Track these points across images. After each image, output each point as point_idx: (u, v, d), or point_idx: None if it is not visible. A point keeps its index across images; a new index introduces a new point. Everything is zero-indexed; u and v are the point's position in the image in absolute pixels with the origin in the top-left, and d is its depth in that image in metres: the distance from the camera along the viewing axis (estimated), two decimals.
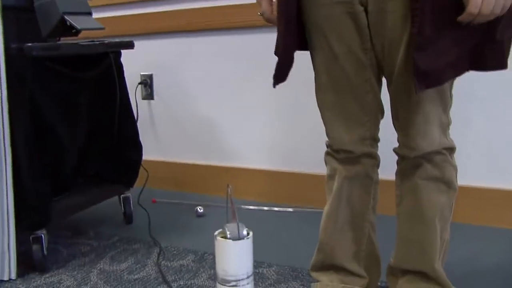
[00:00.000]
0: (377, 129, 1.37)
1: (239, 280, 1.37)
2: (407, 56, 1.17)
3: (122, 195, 2.23)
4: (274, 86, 1.35)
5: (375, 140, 1.37)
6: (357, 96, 1.30)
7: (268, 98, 2.45)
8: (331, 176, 1.43)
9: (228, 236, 1.38)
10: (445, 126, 1.28)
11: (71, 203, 2.00)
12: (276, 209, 2.40)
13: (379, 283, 1.53)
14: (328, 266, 1.46)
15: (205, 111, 2.64)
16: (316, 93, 1.38)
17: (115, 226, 2.24)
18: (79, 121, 1.95)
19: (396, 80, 1.23)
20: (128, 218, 2.25)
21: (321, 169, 2.37)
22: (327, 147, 1.43)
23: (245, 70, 2.49)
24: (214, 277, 1.68)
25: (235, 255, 1.37)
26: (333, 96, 1.33)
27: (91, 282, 1.71)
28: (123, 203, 2.24)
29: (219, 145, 2.64)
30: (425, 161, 1.28)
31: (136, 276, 1.75)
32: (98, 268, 1.82)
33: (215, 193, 2.65)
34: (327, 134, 1.38)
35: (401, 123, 1.27)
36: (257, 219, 2.28)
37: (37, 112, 1.75)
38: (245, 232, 1.40)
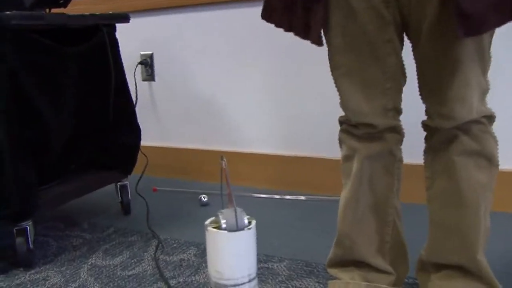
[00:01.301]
0: (400, 98, 1.17)
1: (238, 285, 1.07)
2: (442, 3, 0.98)
3: (119, 183, 2.05)
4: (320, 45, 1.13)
5: (398, 111, 1.17)
6: (378, 59, 1.11)
7: (277, 76, 2.26)
8: (348, 157, 1.23)
9: (223, 226, 1.06)
10: (484, 90, 1.09)
11: (62, 191, 1.81)
12: (287, 197, 2.20)
13: (406, 280, 1.34)
14: (348, 261, 1.26)
15: (210, 92, 2.44)
16: (329, 58, 1.17)
17: (111, 217, 2.05)
18: (68, 101, 1.76)
19: (427, 35, 1.04)
20: (125, 208, 2.07)
21: (334, 153, 2.19)
22: (342, 123, 1.23)
23: (253, 45, 2.30)
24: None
25: (232, 252, 1.05)
26: (350, 60, 1.13)
27: (80, 279, 1.53)
28: (120, 192, 2.05)
29: (225, 129, 2.45)
30: (462, 133, 1.09)
31: (130, 272, 1.56)
32: (90, 263, 1.64)
33: (220, 180, 2.45)
34: (344, 106, 1.18)
35: (434, 89, 1.07)
36: (267, 208, 2.09)
37: (18, 90, 1.56)
38: (245, 221, 1.08)
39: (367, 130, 1.15)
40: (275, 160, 2.33)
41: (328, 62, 1.19)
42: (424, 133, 1.18)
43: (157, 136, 2.65)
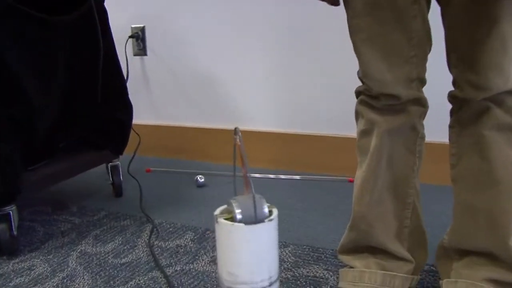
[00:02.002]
0: (425, 67, 1.05)
1: None
2: None
3: (110, 164, 1.92)
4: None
5: (422, 82, 1.05)
6: (402, 22, 0.99)
7: (277, 48, 2.13)
8: (366, 132, 1.10)
9: (238, 217, 0.83)
10: None
11: (50, 172, 1.69)
12: (282, 177, 2.09)
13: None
14: (363, 247, 1.15)
15: (205, 67, 2.31)
16: (348, 21, 1.05)
17: (102, 200, 1.93)
18: (54, 75, 1.62)
19: None
20: (117, 190, 1.95)
21: (338, 130, 2.07)
22: (359, 94, 1.11)
23: (250, 15, 2.16)
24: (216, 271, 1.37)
25: (250, 249, 0.82)
26: (371, 24, 1.00)
27: (69, 268, 1.41)
28: (111, 173, 1.93)
29: (221, 105, 2.32)
30: (495, 105, 0.97)
31: (123, 260, 1.44)
32: (79, 250, 1.52)
33: (217, 160, 2.34)
34: (364, 75, 1.05)
35: (465, 56, 0.96)
36: (265, 189, 1.98)
37: (0, 64, 1.43)
38: (266, 210, 0.84)
39: (388, 101, 1.03)
40: (275, 138, 2.21)
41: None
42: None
43: (150, 113, 2.52)
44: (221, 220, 0.84)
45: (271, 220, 0.83)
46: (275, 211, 0.85)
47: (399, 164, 1.09)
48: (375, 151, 1.07)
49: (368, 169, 1.09)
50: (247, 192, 0.87)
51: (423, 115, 1.08)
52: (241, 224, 0.82)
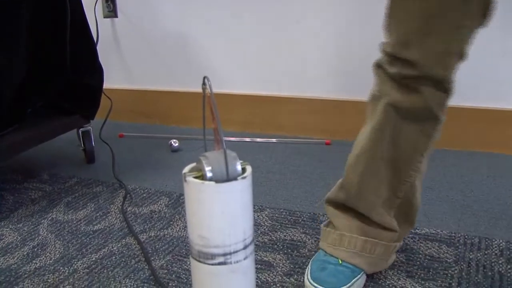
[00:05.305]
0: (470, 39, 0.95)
1: (230, 254, 0.76)
2: None
3: (81, 129, 1.87)
4: None
5: (461, 57, 0.96)
6: None
7: (252, 9, 2.07)
8: (375, 97, 1.04)
9: (208, 174, 0.74)
10: None
11: (18, 139, 1.63)
12: (259, 140, 2.06)
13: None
14: (349, 208, 1.11)
15: (178, 29, 2.25)
16: None
17: (73, 166, 1.88)
18: (19, 39, 1.56)
19: None
20: (89, 156, 1.90)
21: (316, 92, 2.04)
22: (382, 52, 1.01)
23: None
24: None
25: (223, 210, 0.75)
26: None
27: (40, 237, 1.37)
28: (82, 138, 1.88)
29: (195, 68, 2.26)
30: None
31: (95, 227, 1.40)
32: (50, 218, 1.47)
33: (191, 124, 2.29)
34: (388, 31, 0.97)
35: None
36: (241, 152, 1.94)
37: None
38: (238, 167, 0.76)
39: (404, 70, 0.95)
40: (250, 101, 2.17)
41: None
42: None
43: (122, 77, 2.45)
44: (190, 179, 0.75)
45: (244, 177, 0.75)
46: (248, 168, 0.78)
47: (405, 144, 1.03)
48: (378, 124, 1.02)
49: (369, 138, 1.04)
50: (218, 148, 0.79)
51: (443, 101, 0.99)
52: (212, 182, 0.74)
